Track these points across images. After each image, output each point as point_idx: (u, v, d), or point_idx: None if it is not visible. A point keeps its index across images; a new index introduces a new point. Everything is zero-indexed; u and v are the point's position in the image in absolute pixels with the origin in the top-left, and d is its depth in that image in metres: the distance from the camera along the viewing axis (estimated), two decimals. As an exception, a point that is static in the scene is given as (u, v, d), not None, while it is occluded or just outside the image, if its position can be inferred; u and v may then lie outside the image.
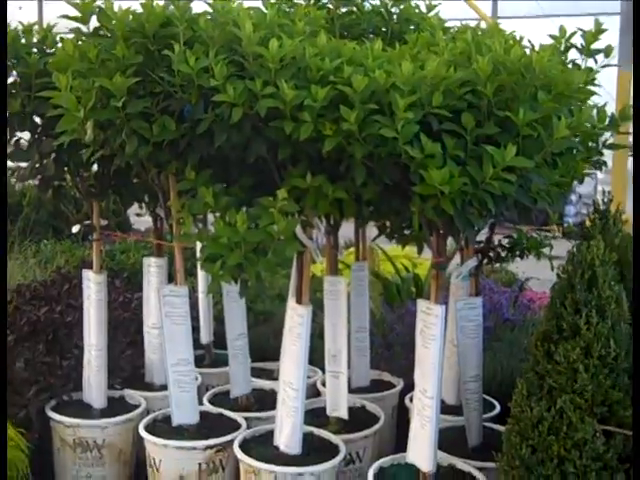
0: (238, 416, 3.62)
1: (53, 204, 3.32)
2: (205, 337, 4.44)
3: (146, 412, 3.76)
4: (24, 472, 3.50)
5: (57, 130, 2.76)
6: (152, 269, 4.04)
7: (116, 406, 3.80)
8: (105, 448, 3.62)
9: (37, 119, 3.23)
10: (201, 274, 4.33)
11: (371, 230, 3.78)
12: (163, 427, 3.51)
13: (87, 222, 3.62)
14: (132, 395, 3.90)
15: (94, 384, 3.73)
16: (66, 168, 3.38)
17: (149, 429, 3.49)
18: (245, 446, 3.31)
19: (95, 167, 3.46)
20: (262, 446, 3.31)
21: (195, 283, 4.58)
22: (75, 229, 3.62)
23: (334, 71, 2.55)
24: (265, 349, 4.41)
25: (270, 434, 3.36)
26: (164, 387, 3.97)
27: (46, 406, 3.70)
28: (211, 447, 3.36)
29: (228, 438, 3.39)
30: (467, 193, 2.46)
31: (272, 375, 4.12)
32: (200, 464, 3.36)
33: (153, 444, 3.39)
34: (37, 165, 3.30)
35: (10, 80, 3.10)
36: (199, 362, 4.20)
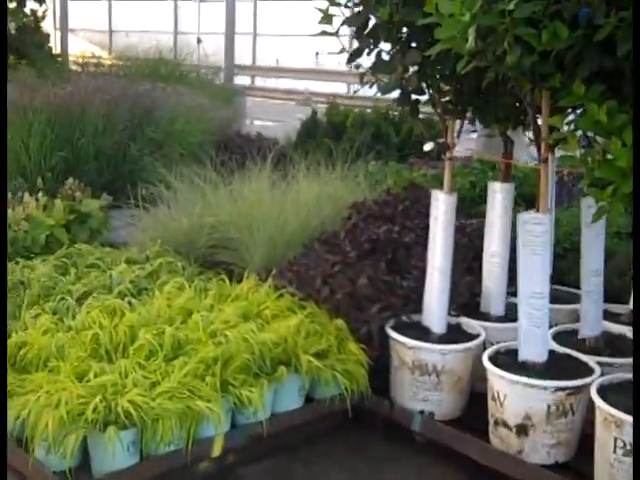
0: (589, 359, 3.33)
1: (412, 121, 3.17)
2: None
3: (485, 343, 3.60)
4: (364, 387, 3.51)
5: (435, 37, 2.58)
6: (498, 195, 3.81)
7: (455, 333, 3.67)
8: (444, 374, 3.51)
9: (403, 29, 3.09)
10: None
11: None
12: (507, 361, 3.31)
13: (441, 140, 3.45)
14: (469, 323, 3.75)
15: (435, 308, 3.62)
16: (427, 82, 3.22)
17: (493, 361, 3.31)
18: (602, 393, 3.03)
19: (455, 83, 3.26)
20: (622, 396, 2.99)
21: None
22: (428, 147, 3.47)
23: None
24: (609, 290, 4.04)
25: (628, 384, 3.04)
26: (500, 318, 3.81)
27: (386, 325, 3.66)
28: (562, 389, 3.11)
29: (582, 382, 3.12)
30: None
31: (619, 318, 3.76)
32: (549, 405, 3.12)
33: (500, 378, 3.21)
34: (400, 78, 3.17)
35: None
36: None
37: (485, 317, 3.83)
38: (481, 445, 3.32)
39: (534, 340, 3.24)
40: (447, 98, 3.34)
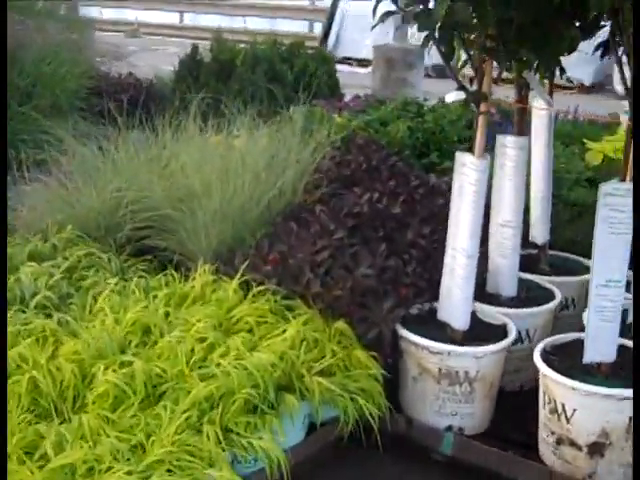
0: (652, 351, 2.76)
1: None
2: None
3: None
4: (384, 405, 2.77)
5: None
6: (509, 150, 3.13)
7: (477, 326, 2.98)
8: (478, 381, 2.83)
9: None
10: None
11: None
12: (565, 364, 2.69)
13: (473, 89, 2.67)
14: (485, 310, 3.08)
15: (458, 300, 2.89)
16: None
17: (549, 365, 2.67)
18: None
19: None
20: None
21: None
22: (451, 97, 2.68)
23: None
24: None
25: None
26: (516, 301, 3.19)
27: (396, 324, 2.92)
28: (648, 398, 2.52)
29: (670, 387, 2.54)
30: None
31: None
32: (631, 418, 2.53)
33: (569, 389, 2.56)
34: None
35: None
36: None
37: (497, 300, 3.18)
38: (539, 469, 2.69)
39: (605, 338, 2.62)
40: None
